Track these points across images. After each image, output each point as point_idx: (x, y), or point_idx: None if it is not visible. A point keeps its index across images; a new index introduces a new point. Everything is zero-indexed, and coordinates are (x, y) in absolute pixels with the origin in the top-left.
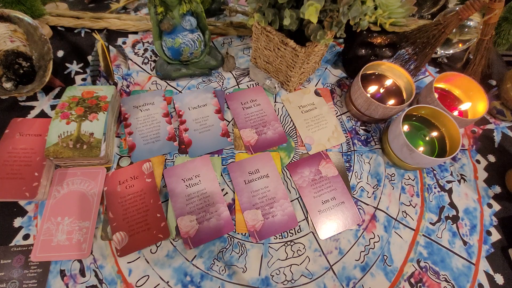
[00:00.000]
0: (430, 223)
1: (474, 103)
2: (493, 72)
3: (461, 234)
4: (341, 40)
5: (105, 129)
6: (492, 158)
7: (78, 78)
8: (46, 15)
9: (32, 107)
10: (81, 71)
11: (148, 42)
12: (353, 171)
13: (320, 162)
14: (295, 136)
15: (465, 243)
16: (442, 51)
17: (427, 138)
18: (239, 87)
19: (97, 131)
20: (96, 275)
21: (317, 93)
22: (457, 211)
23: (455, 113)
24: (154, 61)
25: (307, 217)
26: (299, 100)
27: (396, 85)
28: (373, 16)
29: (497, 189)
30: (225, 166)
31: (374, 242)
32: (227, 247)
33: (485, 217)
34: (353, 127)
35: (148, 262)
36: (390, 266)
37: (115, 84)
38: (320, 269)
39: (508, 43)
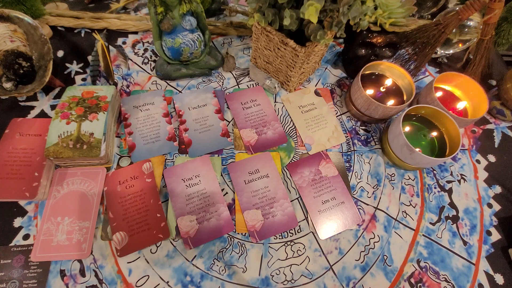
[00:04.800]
0: (430, 223)
1: (474, 103)
2: (493, 72)
3: (461, 234)
4: (341, 40)
5: (105, 129)
6: (492, 158)
7: (78, 78)
8: (46, 15)
9: (32, 107)
10: (81, 71)
11: (148, 42)
12: (353, 171)
13: (320, 162)
14: (295, 136)
15: (465, 243)
16: (442, 51)
17: (427, 138)
18: (239, 87)
19: (97, 131)
20: (96, 275)
21: (317, 93)
22: (457, 211)
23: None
24: (154, 61)
25: (307, 217)
26: (299, 100)
27: (396, 85)
28: (373, 16)
29: (497, 189)
30: (225, 166)
31: (374, 242)
32: (227, 247)
33: (485, 217)
34: (353, 127)
35: (148, 262)
36: (390, 266)
37: (115, 84)
38: (320, 269)
39: (508, 43)
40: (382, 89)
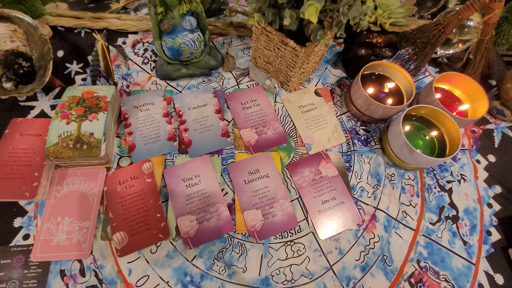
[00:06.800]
0: (430, 223)
1: (474, 103)
2: (493, 72)
3: (461, 234)
4: (341, 40)
5: (105, 129)
6: (492, 158)
7: (78, 78)
8: (46, 15)
9: (32, 107)
10: (81, 71)
11: (148, 42)
12: (353, 171)
13: (320, 162)
14: (295, 136)
15: (465, 243)
16: (442, 51)
17: (427, 138)
18: (239, 87)
19: (97, 131)
20: (96, 275)
21: (317, 93)
22: (457, 211)
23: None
24: (154, 61)
25: (307, 217)
26: (299, 100)
27: (396, 85)
28: (373, 16)
29: (497, 189)
30: (225, 166)
31: (374, 242)
32: (227, 247)
33: (485, 217)
34: (353, 127)
35: (148, 262)
36: (390, 266)
37: (115, 84)
38: (320, 269)
39: (508, 43)
40: (382, 90)
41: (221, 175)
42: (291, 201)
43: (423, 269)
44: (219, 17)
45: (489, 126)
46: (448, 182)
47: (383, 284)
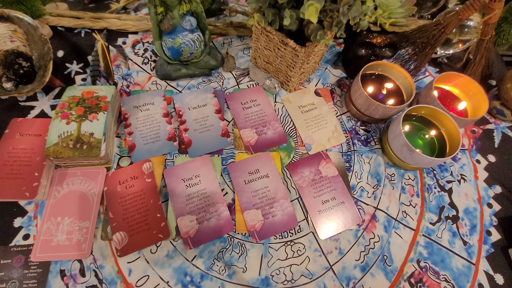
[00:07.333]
0: (430, 223)
1: (474, 103)
2: (493, 72)
3: (461, 234)
4: (341, 40)
5: (105, 129)
6: (492, 158)
7: (78, 78)
8: (46, 15)
9: (32, 107)
10: (81, 71)
11: (148, 42)
12: (353, 171)
13: (320, 162)
14: (295, 136)
15: (465, 243)
16: (442, 51)
17: (427, 138)
18: (239, 87)
19: (97, 131)
20: (96, 275)
21: (317, 93)
22: (457, 211)
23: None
24: (154, 61)
25: (307, 217)
26: (299, 100)
27: (396, 85)
28: (373, 16)
29: (497, 189)
30: (225, 166)
31: (374, 242)
32: (227, 247)
33: (485, 217)
34: (353, 127)
35: (148, 262)
36: (390, 266)
37: (115, 84)
38: (320, 269)
39: (508, 43)
40: (382, 90)
41: (221, 175)
42: (291, 201)
43: (423, 269)
44: (219, 17)
45: (489, 126)
46: (448, 182)
47: (383, 284)
